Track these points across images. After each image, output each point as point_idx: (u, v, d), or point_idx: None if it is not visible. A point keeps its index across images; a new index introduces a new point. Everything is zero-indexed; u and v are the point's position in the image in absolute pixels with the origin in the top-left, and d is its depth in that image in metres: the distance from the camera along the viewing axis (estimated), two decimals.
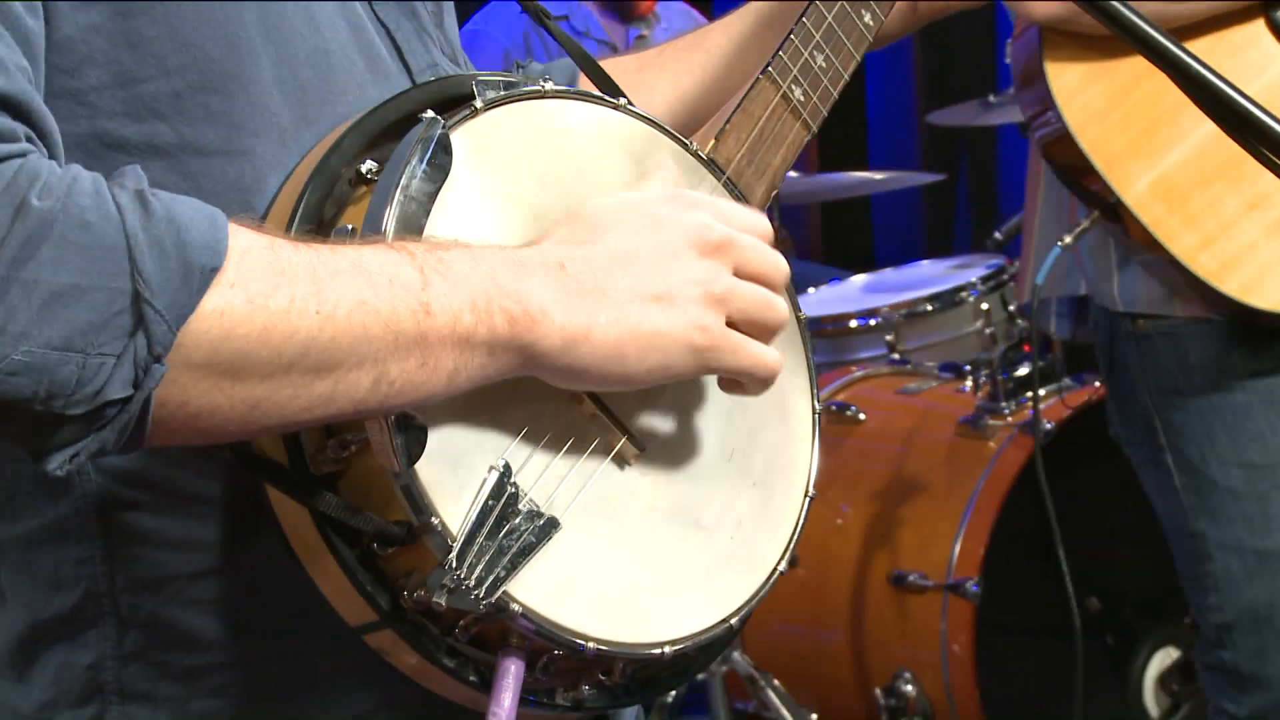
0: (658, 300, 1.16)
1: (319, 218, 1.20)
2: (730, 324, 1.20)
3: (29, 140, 1.04)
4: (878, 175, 4.60)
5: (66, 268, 0.98)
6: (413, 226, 1.16)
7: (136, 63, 1.17)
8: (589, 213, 1.20)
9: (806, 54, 1.46)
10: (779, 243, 3.35)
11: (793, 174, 4.05)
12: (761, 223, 1.26)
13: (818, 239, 5.43)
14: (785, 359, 1.38)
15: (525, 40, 4.15)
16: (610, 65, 1.69)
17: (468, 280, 1.11)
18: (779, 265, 1.24)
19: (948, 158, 5.50)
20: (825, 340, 4.14)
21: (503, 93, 1.27)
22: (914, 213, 5.55)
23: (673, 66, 1.68)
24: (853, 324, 4.13)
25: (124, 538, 1.24)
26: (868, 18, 1.51)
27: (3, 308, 0.96)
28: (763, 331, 1.22)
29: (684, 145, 1.36)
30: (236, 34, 1.20)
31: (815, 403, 1.42)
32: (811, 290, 4.47)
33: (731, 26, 1.68)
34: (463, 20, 4.17)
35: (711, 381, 1.32)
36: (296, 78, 1.24)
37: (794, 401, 1.40)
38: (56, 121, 1.11)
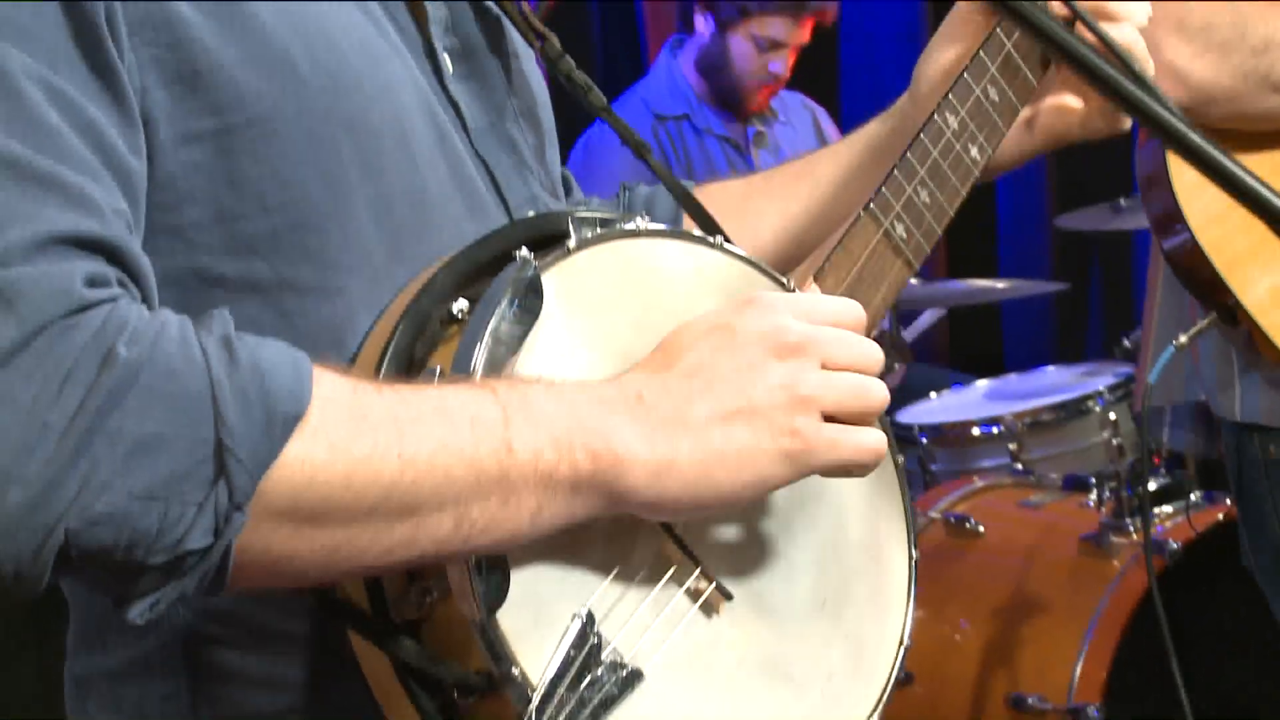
0: (740, 415, 1.15)
1: (410, 357, 1.20)
2: (827, 417, 1.18)
3: (121, 284, 1.06)
4: (1002, 284, 4.56)
5: (151, 417, 0.99)
6: (501, 369, 1.16)
7: (236, 200, 1.18)
8: (668, 338, 1.20)
9: (910, 190, 1.44)
10: (895, 349, 3.32)
11: (914, 281, 4.02)
12: (848, 310, 1.24)
13: (944, 341, 5.39)
14: (881, 505, 1.36)
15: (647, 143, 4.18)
16: (718, 190, 1.69)
17: (550, 418, 1.11)
18: (869, 352, 1.22)
19: (1080, 262, 5.43)
20: (946, 448, 4.09)
21: (599, 231, 1.27)
22: (1045, 317, 5.48)
23: (781, 194, 1.67)
24: (975, 431, 4.07)
25: (209, 674, 1.24)
26: (974, 152, 1.50)
27: (87, 458, 0.98)
28: (861, 418, 1.20)
29: (781, 284, 1.35)
30: (334, 172, 1.22)
31: (913, 550, 1.40)
32: (933, 395, 4.43)
33: (840, 155, 1.67)
34: (584, 127, 4.21)
35: (804, 526, 1.30)
36: (393, 216, 1.25)
37: (890, 550, 1.38)
38: (156, 256, 1.13)
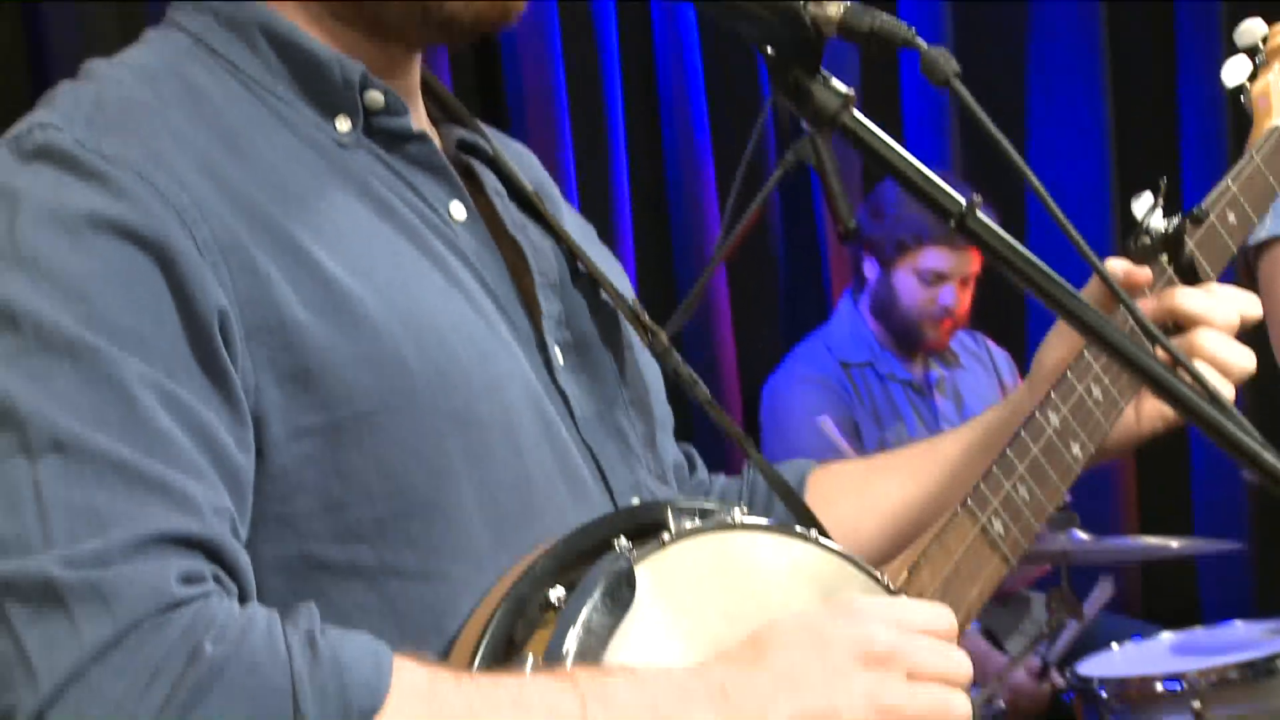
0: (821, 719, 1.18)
1: (508, 641, 1.25)
2: None
3: (216, 580, 1.13)
4: (1200, 541, 4.45)
5: (234, 710, 1.06)
6: (591, 659, 1.20)
7: (344, 490, 1.25)
8: (759, 633, 1.23)
9: (1008, 486, 1.47)
10: (1066, 606, 3.24)
11: (1102, 538, 3.95)
12: (940, 620, 1.26)
13: (1135, 589, 5.27)
14: None
15: (836, 386, 4.22)
16: (843, 469, 1.73)
17: (628, 709, 1.15)
18: (958, 664, 1.24)
19: (1277, 513, 5.29)
20: (1126, 703, 3.98)
21: (696, 523, 1.32)
22: (1243, 568, 5.34)
23: (902, 472, 1.70)
24: (1158, 688, 3.96)
25: None
26: (1076, 449, 1.52)
27: None
28: None
29: (875, 579, 1.38)
30: (440, 463, 1.28)
31: None
32: (1115, 646, 4.33)
33: (963, 437, 1.69)
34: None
35: None
36: (497, 504, 1.31)
37: None
38: (266, 544, 1.21)
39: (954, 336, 4.42)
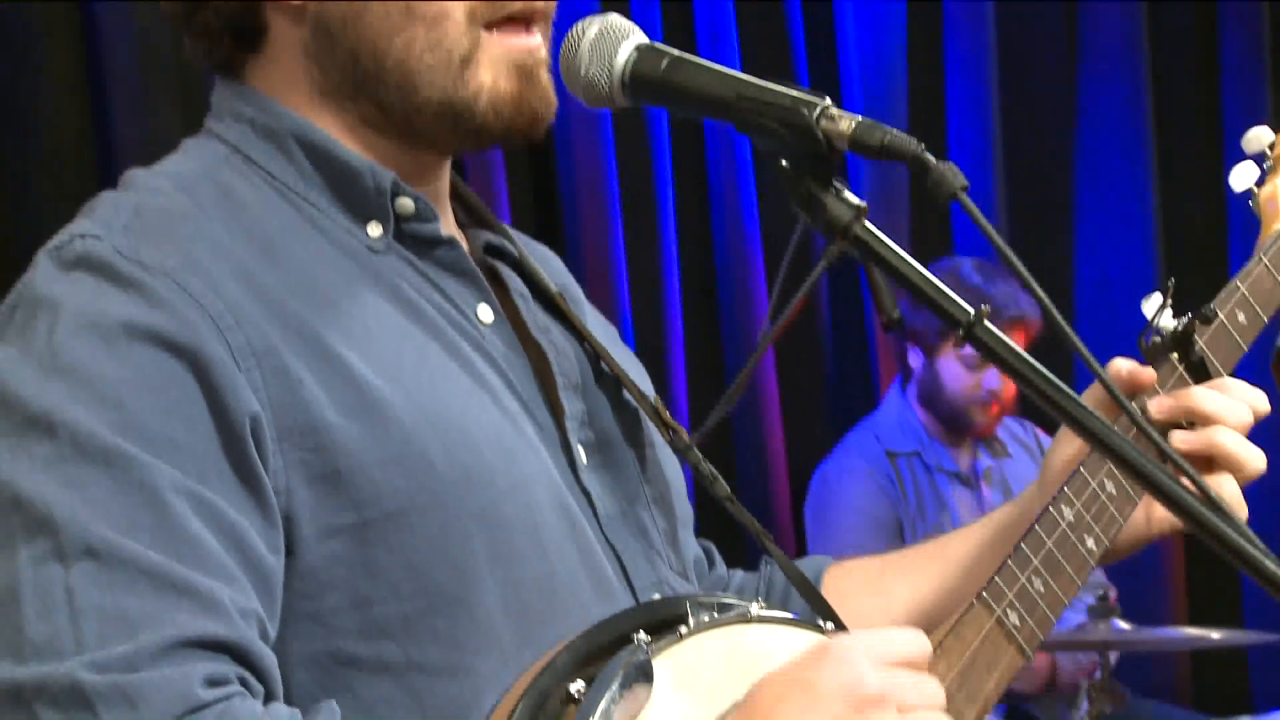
0: None
1: None
2: None
3: (241, 681, 1.17)
4: (1241, 633, 4.42)
5: None
6: None
7: (372, 587, 1.29)
8: (752, 693, 1.26)
9: (1023, 579, 1.49)
10: (1107, 695, 3.22)
11: (1126, 627, 3.93)
12: (916, 645, 1.28)
13: (1186, 678, 5.22)
14: None
15: (881, 478, 4.23)
16: (858, 566, 1.75)
17: None
18: (937, 694, 1.27)
19: None
20: None
21: (714, 616, 1.35)
22: None
23: (914, 572, 1.72)
24: None
25: None
26: (1090, 543, 1.54)
27: None
28: None
29: None
30: (465, 561, 1.31)
31: None
32: None
33: (972, 535, 1.71)
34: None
35: None
36: (521, 601, 1.34)
37: None
38: (296, 640, 1.25)
39: (1002, 424, 4.42)
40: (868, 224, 1.31)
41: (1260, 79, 4.91)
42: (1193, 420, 1.61)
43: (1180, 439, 1.59)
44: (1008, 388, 4.24)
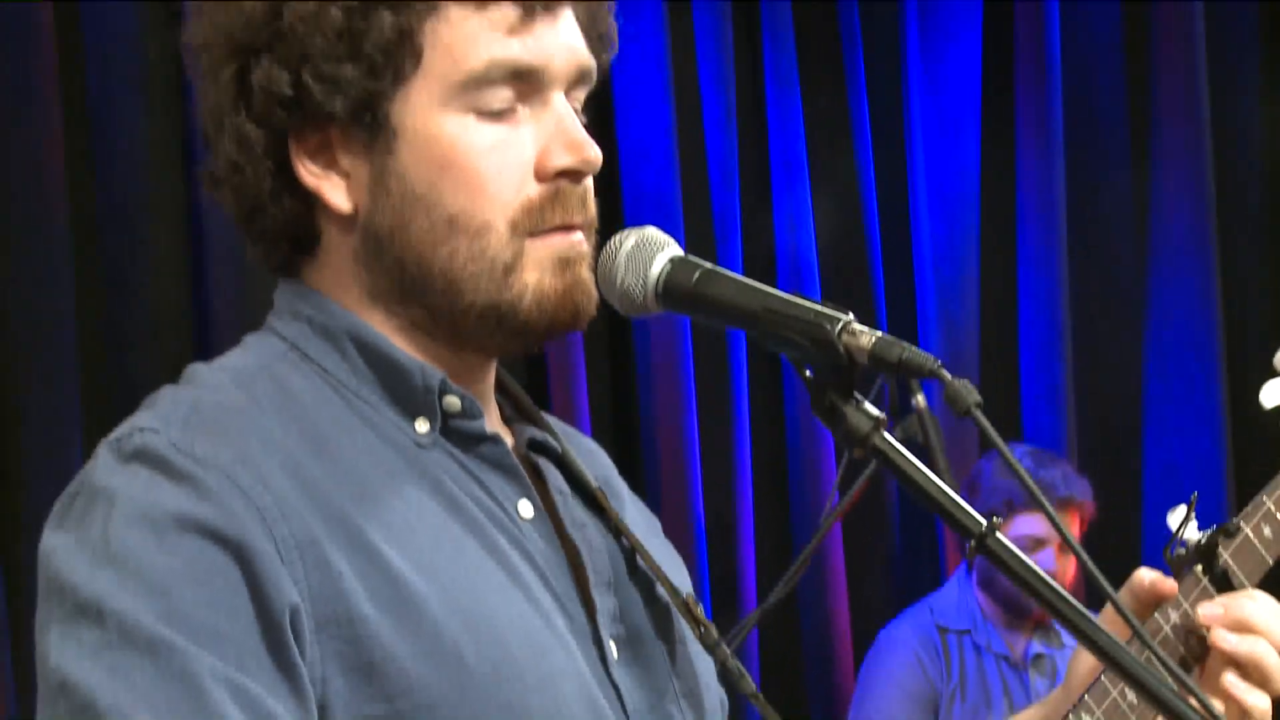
0: None
1: None
2: None
3: None
4: None
5: None
6: None
7: None
8: None
9: None
10: None
11: None
12: None
13: None
14: None
15: (928, 652, 4.20)
16: None
17: None
18: None
19: None
20: None
21: None
22: None
23: None
24: None
25: None
26: None
27: None
28: None
29: None
30: None
31: None
32: None
33: None
34: None
35: None
36: None
37: None
38: None
39: None
40: (886, 435, 1.32)
41: None
42: (1240, 629, 1.60)
43: (1231, 641, 1.58)
44: (1064, 570, 4.19)
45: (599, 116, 4.28)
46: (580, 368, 4.13)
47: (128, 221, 3.51)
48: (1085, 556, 1.27)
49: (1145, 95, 4.90)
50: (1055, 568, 4.18)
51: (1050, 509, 1.29)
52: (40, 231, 3.39)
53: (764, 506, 4.50)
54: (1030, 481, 1.31)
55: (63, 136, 3.44)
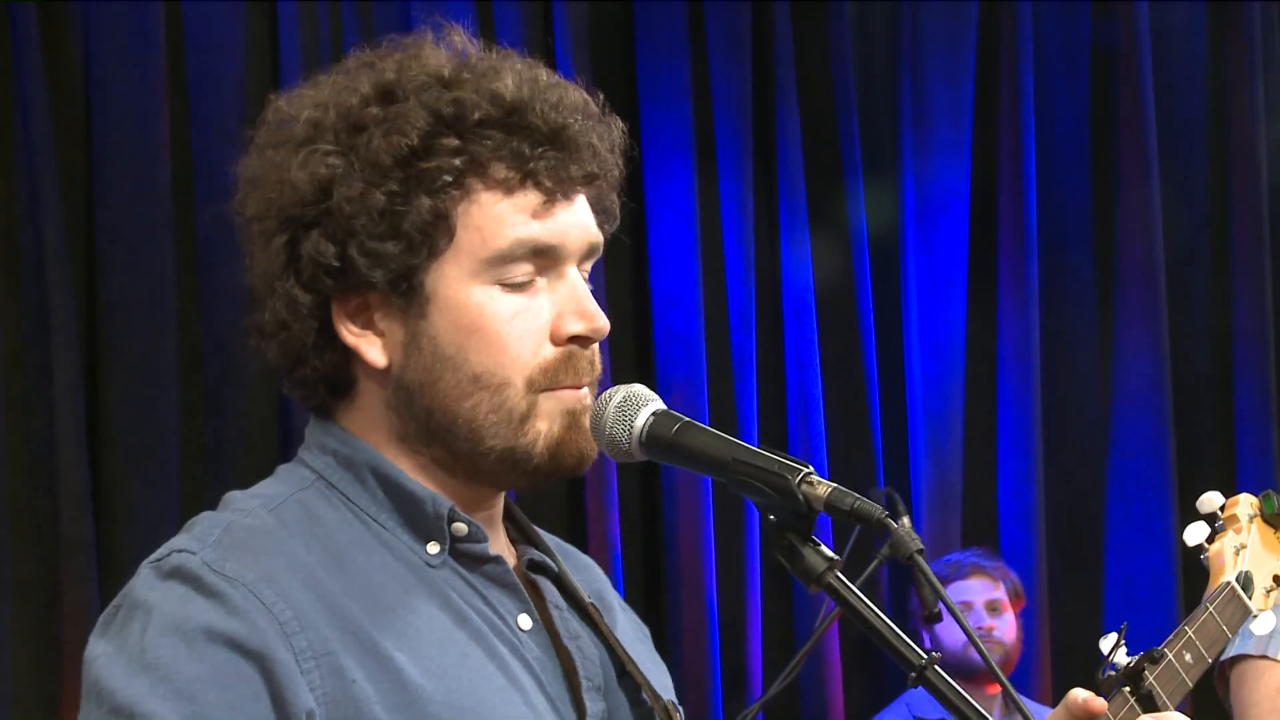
0: None
1: None
2: None
3: None
4: None
5: None
6: None
7: None
8: None
9: None
10: None
11: None
12: None
13: None
14: None
15: None
16: None
17: None
18: None
19: None
20: None
21: None
22: None
23: None
24: None
25: None
26: None
27: None
28: None
29: None
30: None
31: None
32: None
33: None
34: None
35: None
36: None
37: None
38: None
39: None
40: (840, 575, 1.30)
41: (1269, 423, 4.84)
42: None
43: None
44: (1004, 629, 4.05)
45: (635, 267, 4.31)
46: (613, 485, 4.10)
47: (226, 350, 3.55)
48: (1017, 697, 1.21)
49: (1110, 261, 4.92)
50: (985, 623, 4.05)
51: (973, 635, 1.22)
52: (151, 359, 3.52)
53: (770, 606, 4.43)
54: (961, 616, 1.25)
55: (174, 277, 3.59)
